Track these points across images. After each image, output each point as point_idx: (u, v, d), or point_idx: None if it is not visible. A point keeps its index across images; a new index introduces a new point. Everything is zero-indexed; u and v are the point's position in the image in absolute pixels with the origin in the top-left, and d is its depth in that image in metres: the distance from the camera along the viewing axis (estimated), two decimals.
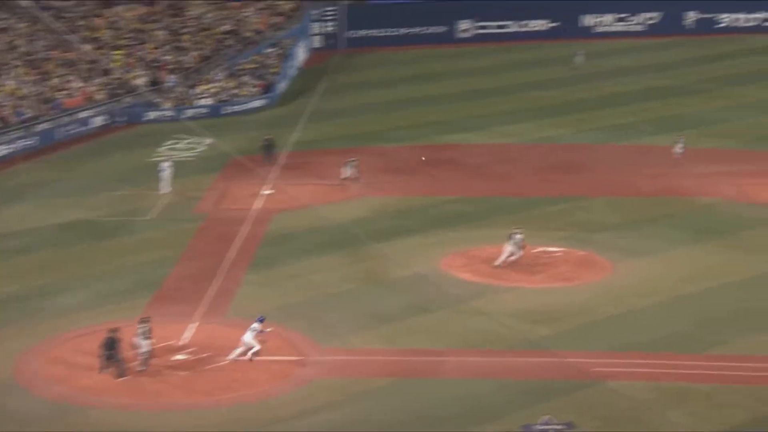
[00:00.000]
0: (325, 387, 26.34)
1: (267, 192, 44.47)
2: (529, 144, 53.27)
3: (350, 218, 40.70)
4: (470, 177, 47.36)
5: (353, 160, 45.54)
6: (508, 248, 34.63)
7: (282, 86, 67.34)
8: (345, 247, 37.31)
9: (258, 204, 42.93)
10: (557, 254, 35.89)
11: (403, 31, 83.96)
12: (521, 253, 34.58)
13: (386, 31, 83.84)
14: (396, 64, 78.34)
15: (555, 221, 38.96)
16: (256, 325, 27.27)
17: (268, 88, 64.85)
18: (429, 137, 55.01)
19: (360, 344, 29.03)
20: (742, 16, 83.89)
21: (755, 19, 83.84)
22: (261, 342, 27.24)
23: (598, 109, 60.91)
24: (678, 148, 47.02)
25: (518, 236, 34.75)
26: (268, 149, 49.23)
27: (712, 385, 25.71)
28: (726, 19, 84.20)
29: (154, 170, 45.70)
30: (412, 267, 35.11)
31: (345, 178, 45.10)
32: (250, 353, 27.14)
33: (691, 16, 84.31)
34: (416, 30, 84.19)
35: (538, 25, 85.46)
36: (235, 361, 27.26)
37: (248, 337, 27.13)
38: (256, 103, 62.97)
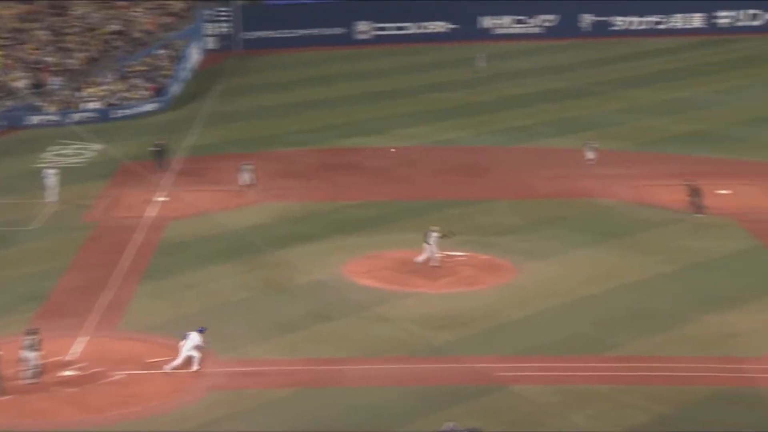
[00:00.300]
0: (223, 400, 25.96)
1: (161, 199, 43.64)
2: (430, 146, 53.79)
3: (248, 225, 40.28)
4: (371, 181, 47.51)
5: (248, 165, 45.12)
6: (428, 247, 34.97)
7: (175, 89, 66.24)
8: (243, 254, 36.91)
9: (151, 211, 42.07)
10: (460, 258, 36.30)
11: (300, 32, 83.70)
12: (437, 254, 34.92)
13: (283, 33, 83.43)
14: (293, 66, 78.03)
15: (457, 225, 39.37)
16: (195, 335, 26.98)
17: (160, 91, 63.68)
18: (329, 141, 54.97)
19: (260, 354, 28.72)
20: (635, 19, 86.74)
21: (648, 22, 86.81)
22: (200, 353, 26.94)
23: (498, 111, 61.98)
24: (590, 153, 47.62)
25: (434, 234, 35.08)
26: (160, 154, 48.33)
27: (612, 386, 26.41)
28: (620, 22, 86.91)
29: (38, 177, 44.29)
30: (313, 274, 34.97)
31: (244, 185, 44.65)
32: (194, 363, 26.91)
33: (587, 19, 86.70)
34: (314, 31, 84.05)
35: (437, 26, 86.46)
36: (170, 373, 26.75)
37: (188, 348, 26.81)
38: (148, 107, 61.78)
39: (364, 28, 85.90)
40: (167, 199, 43.72)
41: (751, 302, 31.60)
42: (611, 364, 27.76)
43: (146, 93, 62.84)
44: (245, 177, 44.76)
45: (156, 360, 27.79)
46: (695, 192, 41.05)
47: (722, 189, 43.98)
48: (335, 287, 33.75)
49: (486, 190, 45.52)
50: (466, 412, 25.03)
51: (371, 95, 67.28)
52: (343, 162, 50.91)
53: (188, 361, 27.00)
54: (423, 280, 34.36)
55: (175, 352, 27.48)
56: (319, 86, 70.00)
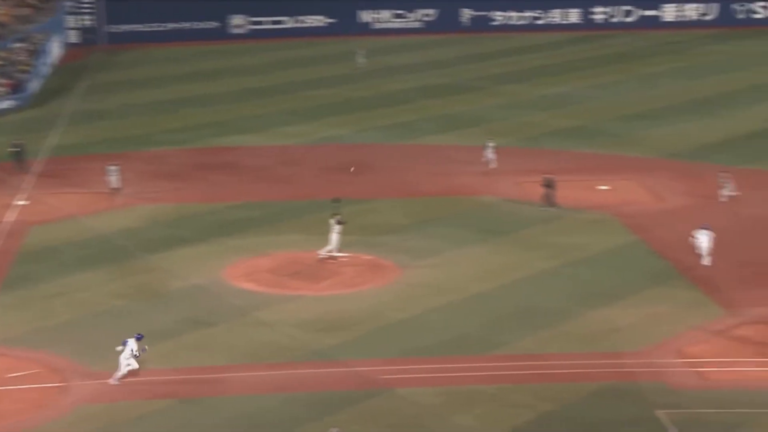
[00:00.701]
0: (92, 414, 25.23)
1: (21, 203, 42.10)
2: (312, 145, 53.68)
3: (119, 229, 39.30)
4: (251, 181, 47.06)
5: (113, 166, 43.97)
6: (334, 236, 35.23)
7: (34, 85, 64.04)
8: (113, 260, 35.99)
9: (11, 216, 40.55)
10: (343, 259, 36.33)
11: (171, 26, 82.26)
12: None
13: (152, 26, 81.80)
14: (164, 61, 76.61)
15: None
16: (131, 342, 26.69)
17: (17, 88, 61.40)
18: (204, 140, 54.17)
19: (133, 364, 28.03)
20: (514, 14, 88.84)
21: (526, 17, 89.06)
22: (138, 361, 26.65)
23: (380, 108, 62.38)
24: (489, 153, 47.22)
25: (336, 225, 35.31)
26: (19, 155, 46.66)
27: (499, 385, 26.94)
28: (500, 17, 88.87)
29: None
30: (190, 279, 34.38)
31: (112, 187, 43.51)
32: (125, 370, 26.67)
33: (467, 14, 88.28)
34: (186, 25, 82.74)
35: (315, 21, 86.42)
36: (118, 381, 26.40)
37: (127, 356, 26.55)
38: (4, 105, 59.55)
39: (239, 22, 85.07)
40: (28, 202, 42.25)
41: (629, 297, 32.72)
42: (497, 363, 28.30)
43: (2, 89, 60.47)
44: (112, 179, 43.64)
45: (16, 375, 26.79)
46: (549, 185, 42.11)
47: (602, 185, 45.48)
48: (213, 292, 33.27)
49: (370, 188, 45.71)
50: (351, 417, 25.08)
51: (248, 92, 66.67)
52: (219, 161, 50.24)
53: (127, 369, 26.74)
54: (304, 283, 34.25)
55: (35, 364, 26.52)
56: (192, 83, 68.94)
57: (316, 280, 34.50)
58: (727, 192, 42.13)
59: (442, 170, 48.32)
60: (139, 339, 26.96)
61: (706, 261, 35.30)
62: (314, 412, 25.45)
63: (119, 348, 26.87)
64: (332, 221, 35.68)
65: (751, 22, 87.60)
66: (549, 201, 41.93)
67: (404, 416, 25.39)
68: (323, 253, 35.70)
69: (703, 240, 35.39)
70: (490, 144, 47.62)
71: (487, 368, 27.97)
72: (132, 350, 26.72)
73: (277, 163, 49.88)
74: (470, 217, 41.57)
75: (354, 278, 34.90)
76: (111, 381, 26.62)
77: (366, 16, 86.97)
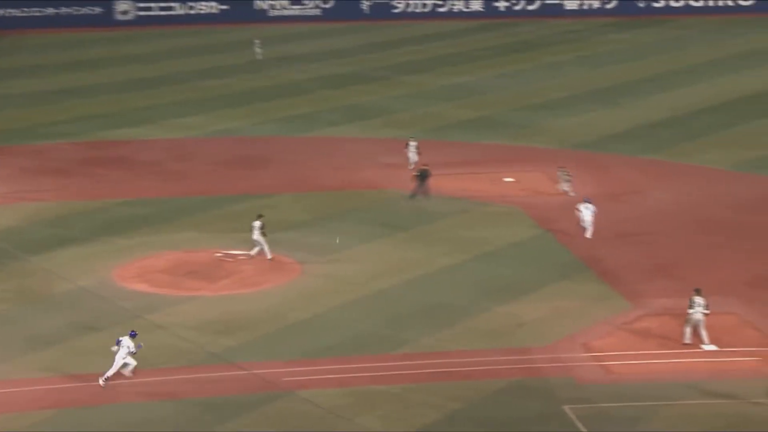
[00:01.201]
0: None
1: None
2: (206, 138, 53.11)
3: None
4: (142, 176, 46.31)
5: None
6: (258, 236, 35.17)
7: None
8: None
9: None
10: (241, 258, 36.08)
11: (51, 10, 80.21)
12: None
13: (30, 11, 79.54)
14: (45, 48, 74.71)
15: (238, 221, 39.17)
16: (127, 340, 26.65)
17: None
18: (91, 133, 53.07)
19: (14, 374, 27.38)
20: (416, 2, 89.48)
21: (428, 5, 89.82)
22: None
23: (278, 99, 62.12)
24: (412, 152, 46.26)
25: (257, 223, 35.20)
26: None
27: (404, 385, 27.17)
28: (400, 4, 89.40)
29: None
30: (77, 281, 33.66)
31: None
32: (128, 370, 26.82)
33: (367, 1, 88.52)
34: (68, 10, 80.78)
35: (207, 7, 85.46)
36: (104, 385, 26.29)
37: (122, 355, 26.61)
38: None
39: (125, 7, 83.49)
40: None
41: (536, 291, 33.38)
42: (402, 362, 28.52)
43: None
44: None
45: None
46: (423, 175, 42.63)
47: (507, 177, 46.25)
48: (102, 294, 32.66)
49: (269, 183, 45.50)
50: (252, 422, 24.98)
51: (137, 82, 65.55)
52: (108, 156, 49.29)
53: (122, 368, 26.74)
54: (201, 283, 33.91)
55: None
56: (76, 72, 67.42)
57: (213, 280, 34.19)
58: (565, 188, 42.83)
59: (344, 163, 48.42)
60: (133, 336, 26.84)
61: (588, 233, 37.52)
62: (213, 417, 25.25)
63: (114, 348, 26.66)
64: (257, 223, 35.32)
65: (651, 11, 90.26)
66: (420, 191, 42.40)
67: (308, 419, 25.41)
68: (253, 253, 35.49)
69: (586, 213, 37.66)
70: (412, 143, 46.57)
71: (391, 367, 28.18)
72: (128, 348, 26.59)
73: (170, 158, 49.20)
74: (373, 211, 41.79)
75: (253, 277, 34.70)
76: (100, 381, 26.46)
77: (261, 2, 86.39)
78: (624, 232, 38.90)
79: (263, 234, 35.50)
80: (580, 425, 24.80)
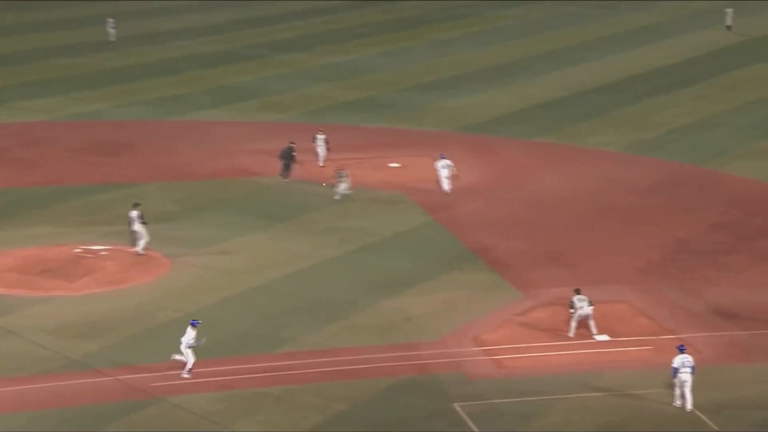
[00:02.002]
0: None
1: None
2: (61, 122, 51.75)
3: None
4: None
5: None
6: (139, 228, 34.67)
7: None
8: None
9: None
10: (103, 253, 35.34)
11: None
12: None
13: None
14: None
15: (99, 214, 38.30)
16: (189, 330, 27.06)
17: None
18: None
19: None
20: None
21: None
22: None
23: (143, 79, 61.01)
24: (320, 146, 44.94)
25: (134, 213, 34.70)
26: None
27: (285, 386, 27.02)
28: None
29: None
30: None
31: None
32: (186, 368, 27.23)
33: None
34: None
35: None
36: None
37: (187, 345, 27.03)
38: None
39: None
40: None
41: (424, 283, 33.67)
42: (283, 362, 28.37)
43: None
44: None
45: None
46: (287, 155, 43.01)
47: (393, 162, 46.49)
48: None
49: (133, 171, 44.65)
50: None
51: None
52: None
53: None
54: (57, 282, 33.09)
55: None
56: None
57: (71, 278, 33.38)
58: (342, 190, 41.35)
59: (217, 149, 47.88)
60: (194, 325, 27.08)
61: (446, 187, 41.13)
62: (73, 429, 24.63)
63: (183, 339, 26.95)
64: (134, 213, 34.74)
65: None
66: (286, 172, 43.00)
67: (181, 426, 25.04)
68: (140, 249, 34.79)
69: (443, 171, 41.39)
70: (320, 136, 45.30)
71: (271, 368, 28.01)
72: (189, 340, 26.85)
73: (17, 144, 47.77)
74: (250, 201, 41.50)
75: (116, 274, 34.03)
76: (183, 375, 26.93)
77: None
78: (515, 219, 39.56)
79: (143, 223, 34.81)
80: (470, 423, 25.13)
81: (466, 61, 67.51)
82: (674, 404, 25.62)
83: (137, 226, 34.89)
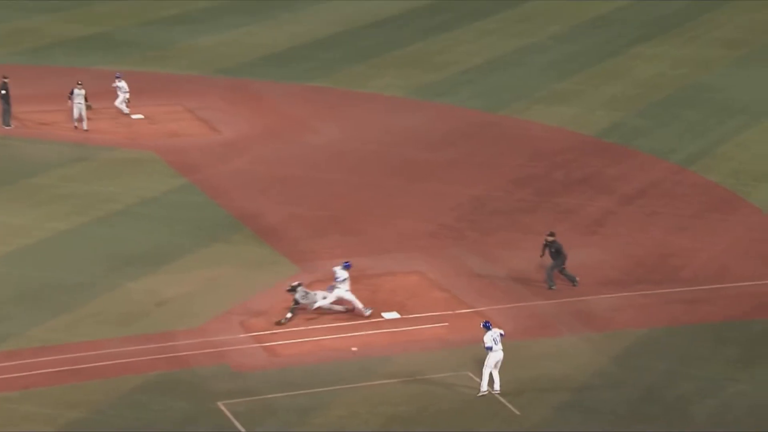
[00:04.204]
0: None
1: None
2: None
3: None
4: None
5: None
6: None
7: None
8: None
9: None
10: None
11: None
12: None
13: None
14: None
15: None
16: (340, 270, 29.73)
17: None
18: None
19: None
20: None
21: None
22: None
23: None
24: (79, 104, 43.11)
25: None
26: None
27: (3, 394, 26.11)
28: None
29: None
30: None
31: None
32: (359, 307, 29.85)
33: None
34: None
35: None
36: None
37: (345, 293, 29.60)
38: None
39: None
40: None
41: (180, 258, 33.47)
42: (2, 363, 27.45)
43: None
44: None
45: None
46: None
47: (136, 113, 45.66)
48: None
49: None
50: None
51: None
52: None
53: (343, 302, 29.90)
54: None
55: None
56: None
57: None
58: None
59: None
60: (347, 267, 29.88)
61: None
62: None
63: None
64: None
65: None
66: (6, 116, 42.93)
67: None
68: None
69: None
70: (79, 91, 43.33)
71: None
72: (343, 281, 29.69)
73: None
74: None
75: None
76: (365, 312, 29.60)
77: None
78: (287, 179, 39.77)
79: None
80: (237, 424, 25.17)
81: None
82: (481, 391, 26.33)
83: None
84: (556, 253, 31.72)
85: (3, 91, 42.59)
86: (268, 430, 25.13)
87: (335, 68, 53.02)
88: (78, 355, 28.00)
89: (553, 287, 31.56)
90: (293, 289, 29.88)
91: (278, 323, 29.53)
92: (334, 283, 30.01)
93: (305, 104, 48.09)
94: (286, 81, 51.00)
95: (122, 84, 45.04)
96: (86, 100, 43.27)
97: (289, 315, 29.74)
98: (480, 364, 26.58)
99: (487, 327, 26.57)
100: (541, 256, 32.02)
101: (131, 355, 28.01)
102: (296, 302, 29.77)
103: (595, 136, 44.29)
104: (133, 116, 45.40)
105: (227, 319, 29.90)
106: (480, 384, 26.37)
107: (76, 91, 43.29)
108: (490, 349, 26.31)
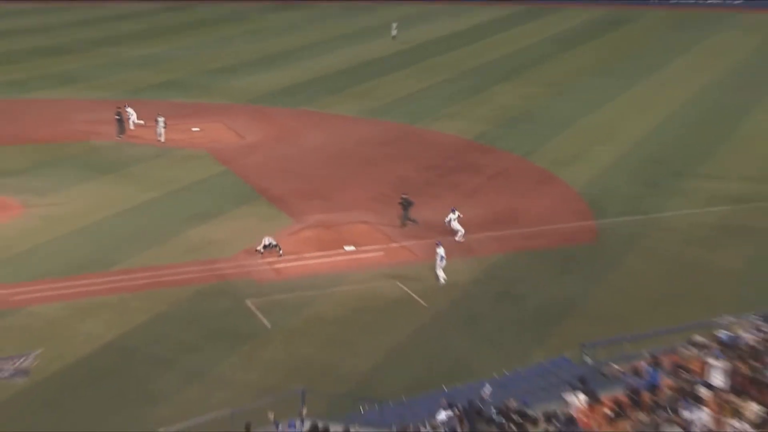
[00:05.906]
0: None
1: None
2: None
3: None
4: None
5: None
6: None
7: None
8: None
9: None
10: None
11: None
12: None
13: None
14: None
15: None
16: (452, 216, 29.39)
17: None
18: None
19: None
20: None
21: None
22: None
23: None
24: (161, 127, 41.63)
25: None
26: None
27: (119, 295, 26.31)
28: None
29: None
30: None
31: None
32: (459, 236, 29.59)
33: None
34: None
35: None
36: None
37: (456, 226, 29.26)
38: None
39: None
40: None
41: (221, 215, 33.27)
42: (116, 277, 27.53)
43: None
44: None
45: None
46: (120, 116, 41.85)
47: (194, 127, 45.34)
48: None
49: None
50: None
51: None
52: None
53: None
54: None
55: None
56: None
57: None
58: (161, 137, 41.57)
59: (56, 119, 45.07)
60: (453, 211, 29.62)
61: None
62: None
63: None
64: None
65: None
66: (121, 131, 41.70)
67: (34, 329, 23.90)
68: None
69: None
70: (161, 119, 42.36)
71: (108, 282, 27.14)
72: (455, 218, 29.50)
73: None
74: (83, 158, 39.43)
75: None
76: (457, 238, 29.40)
77: None
78: (286, 167, 39.73)
79: None
80: (259, 314, 25.44)
81: (244, 51, 66.18)
82: (441, 281, 26.99)
83: None
84: (407, 205, 31.89)
85: (117, 117, 41.78)
86: (277, 317, 25.35)
87: (317, 98, 52.74)
88: (162, 272, 28.10)
89: (405, 227, 31.46)
90: (266, 248, 28.69)
91: (256, 251, 28.92)
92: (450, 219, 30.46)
93: (299, 120, 47.93)
94: (288, 106, 50.76)
95: (130, 110, 43.54)
96: (165, 124, 42.37)
97: (261, 250, 28.83)
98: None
99: (438, 244, 27.47)
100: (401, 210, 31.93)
101: (193, 273, 28.15)
102: (264, 247, 28.94)
103: (473, 140, 44.31)
104: (193, 129, 45.04)
105: (250, 252, 29.96)
106: (439, 278, 26.92)
107: (158, 117, 42.64)
108: (443, 257, 26.90)
